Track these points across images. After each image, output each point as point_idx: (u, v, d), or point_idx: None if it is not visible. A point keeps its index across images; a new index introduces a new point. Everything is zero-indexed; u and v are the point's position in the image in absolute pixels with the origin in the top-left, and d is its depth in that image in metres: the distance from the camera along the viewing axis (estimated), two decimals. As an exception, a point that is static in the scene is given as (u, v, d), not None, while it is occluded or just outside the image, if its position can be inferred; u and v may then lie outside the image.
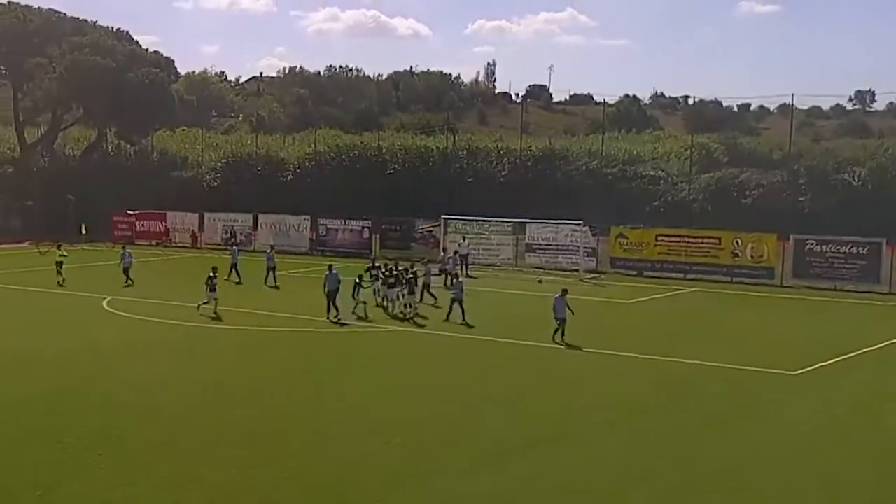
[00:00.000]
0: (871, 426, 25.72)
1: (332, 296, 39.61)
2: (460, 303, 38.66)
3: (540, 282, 50.20)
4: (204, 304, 39.95)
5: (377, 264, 44.30)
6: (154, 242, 68.46)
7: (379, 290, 41.98)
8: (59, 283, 48.42)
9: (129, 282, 48.85)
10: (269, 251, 51.31)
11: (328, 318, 38.96)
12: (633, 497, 20.00)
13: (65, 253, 50.72)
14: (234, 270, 50.44)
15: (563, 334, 34.27)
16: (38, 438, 23.45)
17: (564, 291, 35.49)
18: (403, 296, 40.43)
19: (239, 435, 23.89)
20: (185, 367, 31.60)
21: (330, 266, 41.64)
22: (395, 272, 41.77)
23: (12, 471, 21.01)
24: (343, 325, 38.48)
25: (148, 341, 35.44)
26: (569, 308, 34.59)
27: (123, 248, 52.45)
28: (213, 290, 39.87)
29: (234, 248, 55.41)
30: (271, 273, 48.99)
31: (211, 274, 40.47)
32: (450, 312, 38.63)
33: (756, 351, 34.38)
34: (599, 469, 21.51)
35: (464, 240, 56.55)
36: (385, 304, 41.37)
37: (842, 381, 30.87)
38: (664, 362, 32.42)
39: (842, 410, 27.49)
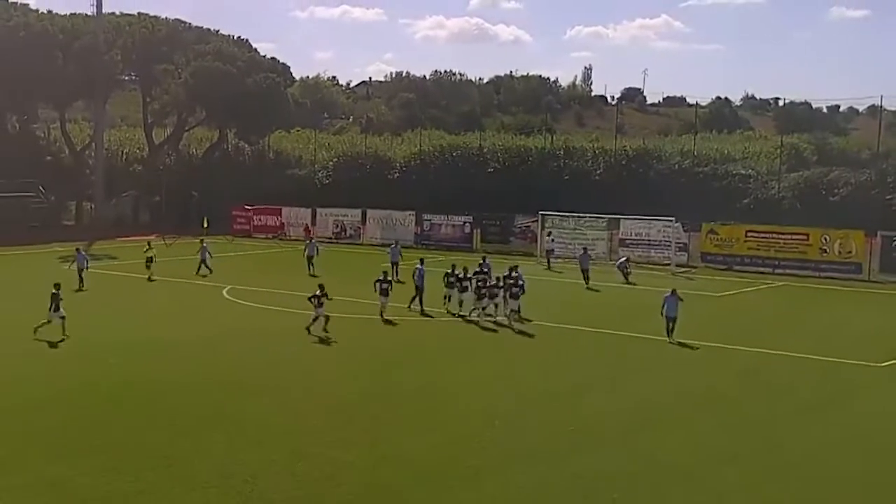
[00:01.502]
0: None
1: (419, 290, 39.22)
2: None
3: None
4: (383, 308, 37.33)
5: (456, 271, 39.40)
6: (270, 236, 69.29)
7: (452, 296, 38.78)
8: (148, 278, 47.43)
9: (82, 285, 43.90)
10: (393, 245, 50.51)
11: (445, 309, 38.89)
12: (725, 474, 19.99)
13: (154, 251, 49.50)
14: (310, 264, 50.46)
15: (673, 332, 33.17)
16: (164, 416, 24.12)
17: (674, 291, 34.15)
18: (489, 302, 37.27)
19: (340, 416, 24.26)
20: (296, 351, 32.05)
21: (421, 260, 41.75)
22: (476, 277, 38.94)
23: (139, 446, 21.65)
24: (427, 315, 38.45)
25: (264, 327, 36.02)
26: (680, 300, 33.70)
27: (78, 250, 46.44)
28: (384, 294, 36.98)
29: (311, 239, 55.32)
30: (395, 267, 47.08)
31: (381, 277, 37.87)
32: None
33: (843, 343, 33.92)
34: (692, 450, 21.55)
35: (549, 235, 56.90)
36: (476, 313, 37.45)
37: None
38: (752, 353, 32.13)
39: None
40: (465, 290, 38.15)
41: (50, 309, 32.55)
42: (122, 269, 50.31)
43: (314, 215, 69.27)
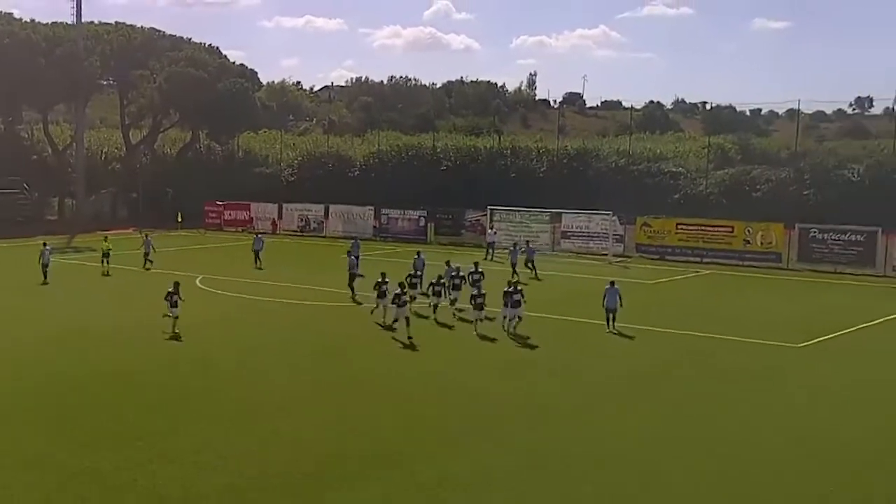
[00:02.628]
0: (867, 390, 25.60)
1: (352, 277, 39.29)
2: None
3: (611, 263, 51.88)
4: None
5: (419, 273, 37.92)
6: (240, 229, 68.71)
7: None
8: (104, 273, 45.62)
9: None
10: (356, 240, 48.90)
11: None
12: (661, 452, 19.97)
13: (111, 245, 47.56)
14: (256, 258, 48.86)
15: (614, 322, 32.41)
16: (141, 396, 23.76)
17: (613, 283, 33.22)
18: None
19: (311, 396, 24.09)
20: (265, 335, 31.83)
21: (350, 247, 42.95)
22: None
23: (121, 421, 21.32)
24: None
25: (235, 314, 35.74)
26: (620, 299, 32.55)
27: (44, 244, 45.26)
28: (382, 296, 33.03)
29: (257, 235, 53.24)
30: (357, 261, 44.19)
31: (408, 278, 35.71)
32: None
33: (765, 326, 34.07)
34: (632, 428, 21.59)
35: (491, 228, 57.03)
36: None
37: (840, 353, 30.58)
38: (683, 335, 32.22)
39: (839, 378, 27.34)
40: (457, 287, 35.35)
41: (168, 305, 31.27)
42: (99, 261, 49.53)
43: (280, 210, 68.90)
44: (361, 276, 38.95)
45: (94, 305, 37.85)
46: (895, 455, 20.31)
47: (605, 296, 32.74)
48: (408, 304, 31.71)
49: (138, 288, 42.22)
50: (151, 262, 47.98)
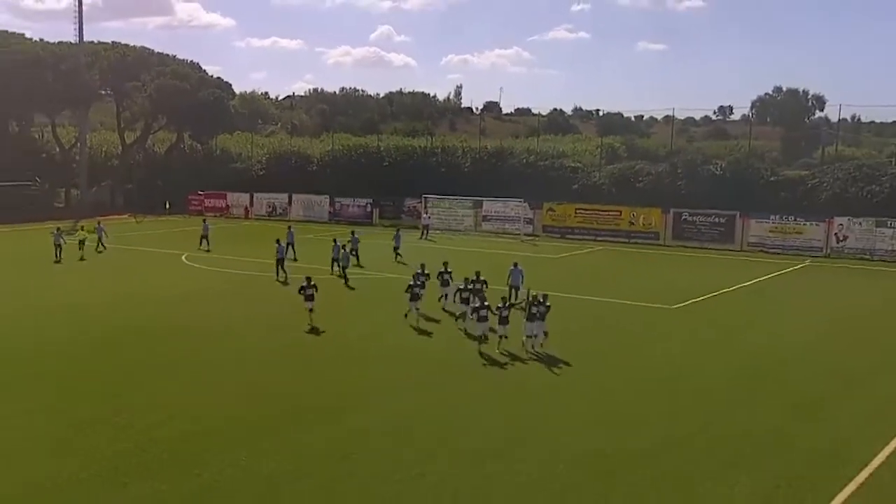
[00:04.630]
0: (726, 343, 25.91)
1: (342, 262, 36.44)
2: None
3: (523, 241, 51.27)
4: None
5: (426, 271, 30.03)
6: (218, 214, 67.80)
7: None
8: (80, 258, 42.30)
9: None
10: (290, 229, 43.63)
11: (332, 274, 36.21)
12: (564, 387, 19.92)
13: (86, 234, 44.96)
14: (203, 240, 45.95)
15: (516, 296, 29.83)
16: (133, 354, 23.18)
17: (517, 264, 31.25)
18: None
19: (284, 355, 23.70)
20: (241, 305, 31.25)
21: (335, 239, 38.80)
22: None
23: (116, 376, 20.74)
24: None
25: (216, 286, 35.08)
26: (522, 278, 30.43)
27: (57, 229, 43.47)
28: (415, 298, 27.48)
29: (205, 220, 49.82)
30: (291, 247, 41.01)
31: (446, 271, 29.89)
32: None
33: (645, 292, 34.35)
34: (550, 379, 21.41)
35: (426, 213, 56.81)
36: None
37: (705, 312, 30.93)
38: (581, 300, 32.30)
39: (706, 332, 27.66)
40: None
41: (303, 298, 27.09)
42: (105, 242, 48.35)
43: (252, 199, 68.20)
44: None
45: (95, 279, 36.91)
46: (746, 387, 20.72)
47: (509, 275, 30.71)
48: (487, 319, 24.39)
49: (128, 265, 41.32)
50: (105, 246, 45.23)
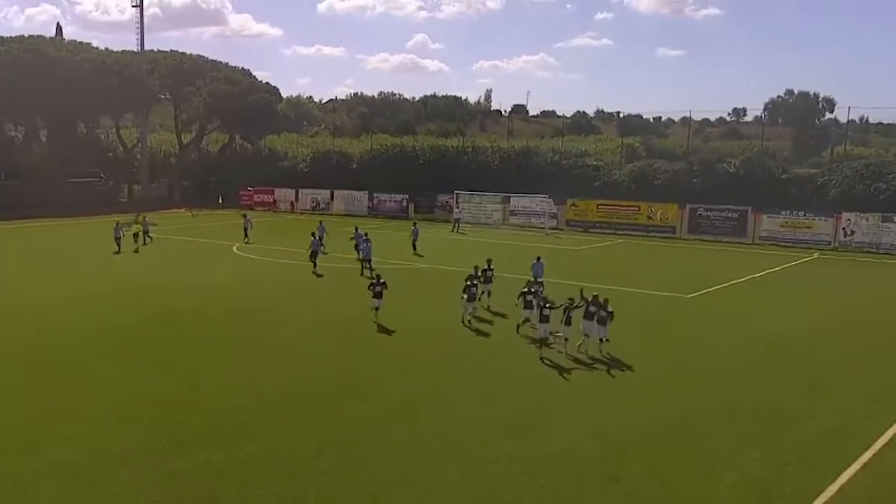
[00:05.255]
0: (739, 329, 25.65)
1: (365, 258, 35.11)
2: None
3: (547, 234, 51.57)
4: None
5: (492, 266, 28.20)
6: (266, 208, 68.31)
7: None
8: (134, 250, 41.79)
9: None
10: (321, 224, 41.79)
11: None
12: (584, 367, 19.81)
13: (140, 227, 44.63)
14: (246, 233, 45.47)
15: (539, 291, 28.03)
16: (187, 333, 23.50)
17: (539, 258, 29.94)
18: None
19: (313, 335, 23.83)
20: (287, 290, 31.51)
21: (356, 228, 38.73)
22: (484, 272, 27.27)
23: (170, 353, 21.04)
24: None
25: (266, 273, 35.36)
26: (542, 271, 29.28)
27: (117, 223, 43.09)
28: (471, 299, 25.13)
29: (245, 216, 49.46)
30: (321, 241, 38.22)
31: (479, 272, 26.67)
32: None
33: (662, 281, 34.15)
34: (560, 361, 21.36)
35: (458, 207, 56.79)
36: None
37: (719, 300, 30.69)
38: (602, 289, 31.94)
39: (720, 318, 27.47)
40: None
41: (371, 295, 24.90)
42: (163, 233, 48.93)
43: (297, 194, 68.45)
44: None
45: (154, 267, 37.35)
46: (759, 368, 20.48)
47: (531, 268, 29.50)
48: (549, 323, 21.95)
49: (184, 254, 41.81)
50: (150, 238, 44.83)
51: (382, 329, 24.37)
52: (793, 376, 20.38)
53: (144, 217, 48.48)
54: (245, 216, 49.14)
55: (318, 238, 37.30)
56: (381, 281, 25.36)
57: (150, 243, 44.34)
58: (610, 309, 21.96)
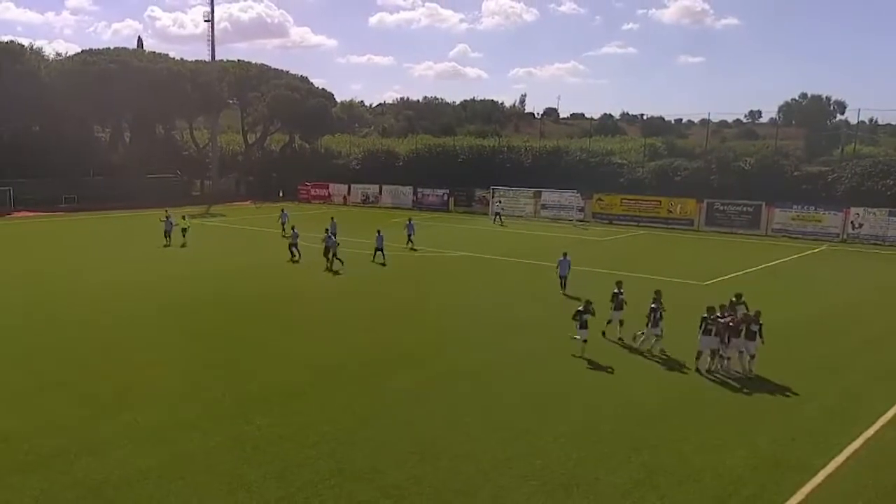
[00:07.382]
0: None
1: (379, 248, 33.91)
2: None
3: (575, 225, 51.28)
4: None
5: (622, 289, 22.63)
6: (321, 201, 68.75)
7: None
8: (182, 245, 39.34)
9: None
10: (332, 220, 39.08)
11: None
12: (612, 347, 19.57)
13: (188, 223, 41.91)
14: (283, 227, 43.72)
15: (565, 287, 27.74)
16: (242, 314, 23.66)
17: (566, 254, 28.42)
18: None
19: (361, 317, 23.81)
20: (336, 277, 31.59)
21: (378, 230, 35.64)
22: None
23: (229, 331, 21.16)
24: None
25: (315, 260, 35.40)
26: (569, 267, 28.08)
27: (167, 216, 40.92)
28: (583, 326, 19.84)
29: (283, 210, 46.88)
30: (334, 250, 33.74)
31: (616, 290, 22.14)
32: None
33: (681, 270, 33.64)
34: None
35: (498, 203, 56.76)
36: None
37: (734, 287, 29.77)
38: (624, 276, 31.52)
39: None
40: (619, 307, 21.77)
41: (577, 326, 19.64)
42: (229, 223, 49.56)
43: (349, 189, 68.74)
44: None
45: (219, 254, 37.71)
46: (771, 348, 19.73)
47: (558, 265, 28.08)
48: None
49: (247, 242, 42.12)
50: (180, 238, 40.62)
51: (419, 307, 24.28)
52: (802, 358, 19.94)
53: (184, 216, 43.69)
54: (283, 210, 46.92)
55: (331, 234, 34.52)
56: (591, 308, 19.73)
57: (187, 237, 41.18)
58: (761, 321, 18.57)
